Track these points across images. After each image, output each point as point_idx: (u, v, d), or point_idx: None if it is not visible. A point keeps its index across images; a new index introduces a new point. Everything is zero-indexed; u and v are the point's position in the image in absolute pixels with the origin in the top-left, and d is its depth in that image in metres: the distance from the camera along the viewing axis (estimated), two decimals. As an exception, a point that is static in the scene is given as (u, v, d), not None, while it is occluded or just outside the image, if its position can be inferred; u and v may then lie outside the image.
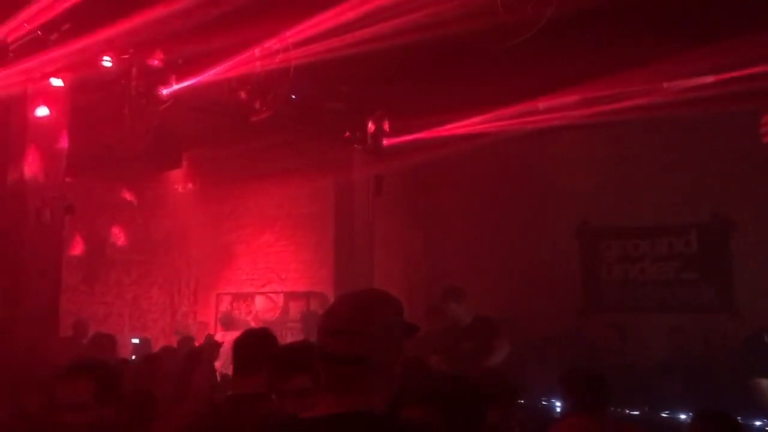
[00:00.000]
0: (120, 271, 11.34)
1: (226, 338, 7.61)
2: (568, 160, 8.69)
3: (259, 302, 11.41)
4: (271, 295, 11.36)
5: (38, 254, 6.49)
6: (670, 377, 6.74)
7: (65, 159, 6.72)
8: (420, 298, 8.52)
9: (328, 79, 7.47)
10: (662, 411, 6.20)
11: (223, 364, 6.04)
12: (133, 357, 8.37)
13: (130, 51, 6.40)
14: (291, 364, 3.03)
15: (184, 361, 5.46)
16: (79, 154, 6.93)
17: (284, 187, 11.12)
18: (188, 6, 5.36)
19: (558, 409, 6.22)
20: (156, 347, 8.83)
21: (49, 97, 6.57)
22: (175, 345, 8.30)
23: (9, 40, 5.96)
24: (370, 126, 8.59)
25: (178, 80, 6.85)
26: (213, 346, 5.83)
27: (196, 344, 8.01)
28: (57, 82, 6.56)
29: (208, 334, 9.37)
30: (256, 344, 3.39)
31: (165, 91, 6.92)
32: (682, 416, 5.92)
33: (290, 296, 11.09)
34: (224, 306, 11.54)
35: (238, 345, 3.39)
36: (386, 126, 8.63)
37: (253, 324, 10.25)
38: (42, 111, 6.52)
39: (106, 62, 6.42)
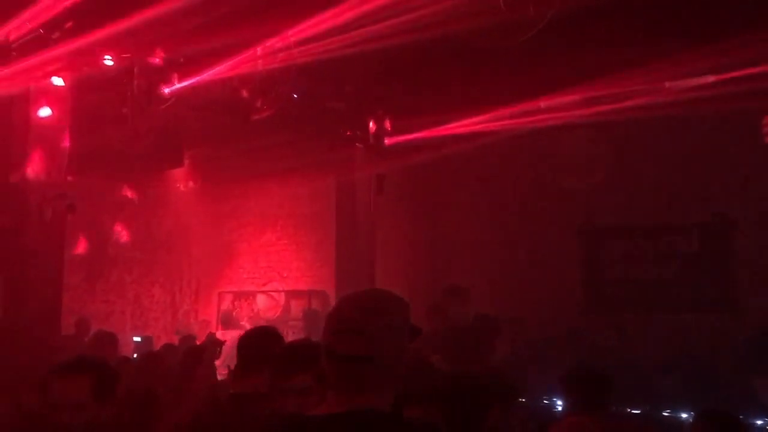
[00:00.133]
0: (122, 270, 11.35)
1: (226, 337, 7.61)
2: (569, 160, 8.70)
3: (261, 301, 11.42)
4: (272, 293, 11.37)
5: (40, 253, 6.51)
6: (671, 376, 6.73)
7: (67, 158, 6.72)
8: (421, 297, 8.52)
9: (330, 78, 7.48)
10: (663, 410, 6.20)
11: (222, 362, 6.04)
12: (135, 355, 8.37)
13: (132, 50, 6.40)
14: (292, 362, 3.04)
15: (185, 359, 5.47)
16: (81, 153, 6.94)
17: (286, 186, 11.13)
18: (190, 5, 5.37)
19: (559, 408, 6.23)
20: (157, 346, 8.83)
21: (51, 96, 6.58)
22: (176, 343, 8.30)
23: (11, 39, 5.97)
24: (372, 125, 8.60)
25: (180, 79, 6.86)
26: (215, 344, 5.82)
27: (198, 343, 8.02)
28: (59, 81, 6.56)
29: (210, 332, 9.38)
30: (260, 343, 3.38)
31: (167, 90, 6.93)
32: (684, 415, 5.93)
33: (292, 295, 11.10)
34: (226, 305, 11.55)
35: (243, 343, 3.39)
36: (388, 125, 8.64)
37: (247, 324, 10.26)
38: (44, 110, 6.53)
39: (108, 61, 6.42)
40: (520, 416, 4.07)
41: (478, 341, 6.74)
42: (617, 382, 4.18)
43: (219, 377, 5.71)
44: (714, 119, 7.48)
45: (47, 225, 6.54)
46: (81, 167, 7.35)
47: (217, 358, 5.79)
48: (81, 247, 10.45)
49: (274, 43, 6.21)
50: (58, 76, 6.51)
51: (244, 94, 7.34)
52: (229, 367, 4.85)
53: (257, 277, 11.64)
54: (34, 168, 6.47)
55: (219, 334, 8.63)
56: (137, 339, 9.70)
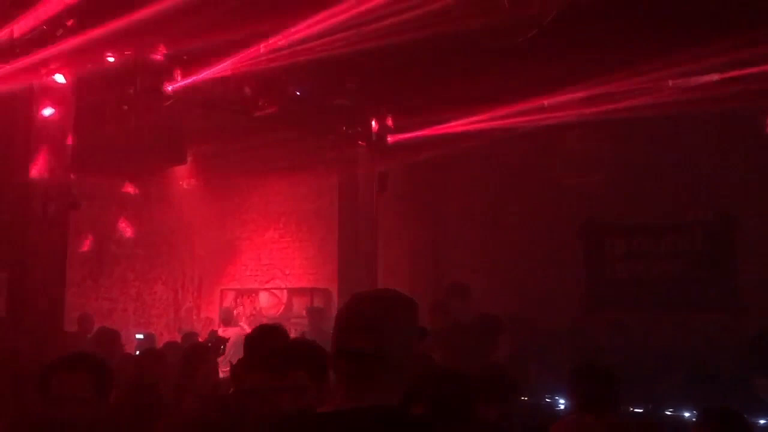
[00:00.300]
0: (124, 267, 11.36)
1: (226, 334, 7.62)
2: (572, 158, 8.68)
3: (263, 298, 11.43)
4: (275, 291, 11.38)
5: (44, 250, 6.51)
6: (674, 375, 6.72)
7: (70, 155, 6.73)
8: (423, 295, 8.52)
9: (333, 75, 7.47)
10: (665, 409, 6.19)
11: (223, 359, 6.03)
12: (137, 352, 8.37)
13: (135, 47, 6.40)
14: (286, 360, 3.04)
15: (188, 357, 5.46)
16: (84, 150, 6.94)
17: (289, 183, 11.14)
18: (193, 2, 5.36)
19: (561, 407, 6.23)
20: (160, 343, 8.84)
21: (54, 93, 6.57)
22: (179, 341, 8.31)
23: (15, 36, 5.97)
24: (374, 123, 8.60)
25: (183, 76, 6.86)
26: (219, 342, 5.82)
27: (200, 340, 8.03)
28: (62, 78, 6.56)
29: (212, 330, 9.38)
30: (267, 340, 3.39)
31: (170, 87, 6.93)
32: (686, 414, 5.92)
33: (294, 292, 11.11)
34: (228, 302, 11.56)
35: (249, 340, 3.40)
36: (390, 123, 8.64)
37: (245, 324, 10.28)
38: (47, 107, 6.53)
39: (111, 58, 6.42)
40: (522, 413, 4.07)
41: (480, 339, 6.75)
42: (619, 381, 4.15)
43: (221, 374, 5.71)
44: (717, 118, 7.47)
45: (50, 222, 6.55)
46: (84, 165, 7.34)
47: (221, 355, 5.79)
48: (84, 245, 10.47)
49: (277, 40, 6.20)
50: (62, 74, 6.51)
51: (247, 91, 7.35)
52: (231, 362, 4.86)
53: (260, 274, 11.66)
54: (37, 165, 6.47)
55: (220, 332, 8.63)
56: (140, 336, 9.70)
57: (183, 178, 11.58)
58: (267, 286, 11.50)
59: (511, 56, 6.42)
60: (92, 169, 8.75)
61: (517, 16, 5.28)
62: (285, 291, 11.24)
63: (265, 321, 8.86)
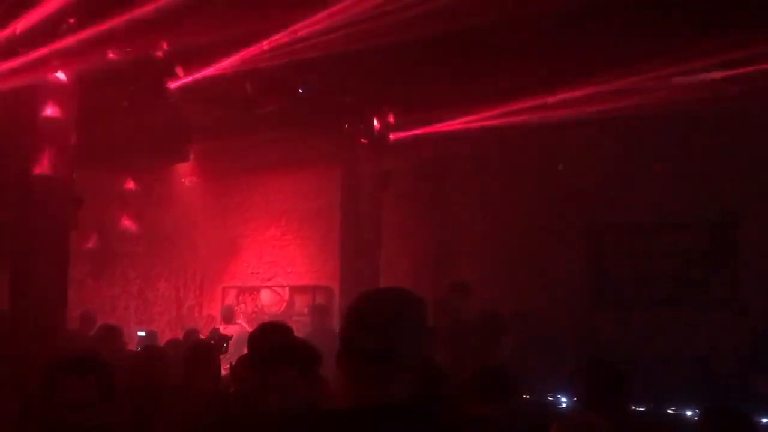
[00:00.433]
0: (126, 265, 11.37)
1: (227, 331, 7.62)
2: (576, 156, 8.67)
3: (265, 296, 11.43)
4: (276, 288, 11.38)
5: (46, 247, 6.52)
6: (676, 374, 6.72)
7: (73, 151, 6.73)
8: (426, 292, 8.50)
9: (336, 73, 7.46)
10: (668, 408, 6.19)
11: (224, 357, 6.04)
12: (139, 350, 8.38)
13: (138, 44, 6.40)
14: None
15: (189, 354, 5.45)
16: (86, 147, 6.94)
17: (291, 181, 11.13)
18: (196, -1, 5.37)
19: (564, 405, 6.23)
20: (162, 340, 8.85)
21: (57, 90, 6.58)
22: (181, 338, 8.31)
23: (18, 33, 5.97)
24: (377, 120, 8.59)
25: (185, 73, 6.85)
26: (222, 340, 5.82)
27: (202, 337, 8.02)
28: (65, 75, 6.56)
29: (214, 327, 9.38)
30: (272, 338, 3.39)
31: (172, 85, 6.93)
32: (688, 413, 5.92)
33: (296, 290, 11.11)
34: (230, 299, 11.56)
35: (253, 339, 3.40)
36: (392, 120, 8.63)
37: (244, 322, 10.28)
38: (50, 104, 6.53)
39: (114, 55, 6.42)
40: (523, 412, 4.05)
41: (483, 337, 6.75)
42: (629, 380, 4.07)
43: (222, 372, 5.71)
44: (722, 115, 7.44)
45: (53, 219, 6.55)
46: (86, 161, 7.35)
47: (224, 353, 5.79)
48: (87, 242, 10.47)
49: (279, 37, 6.19)
50: (64, 71, 6.51)
51: (250, 88, 7.34)
52: (230, 362, 4.86)
53: (262, 272, 11.66)
54: (40, 162, 6.48)
55: (221, 329, 8.64)
56: (141, 333, 9.71)
57: (185, 175, 11.57)
58: (269, 283, 11.50)
59: (514, 54, 6.42)
60: (94, 166, 8.76)
61: (520, 13, 5.26)
62: (287, 289, 11.23)
63: (266, 319, 8.86)
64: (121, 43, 6.28)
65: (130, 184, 11.06)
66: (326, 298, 10.47)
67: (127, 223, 11.14)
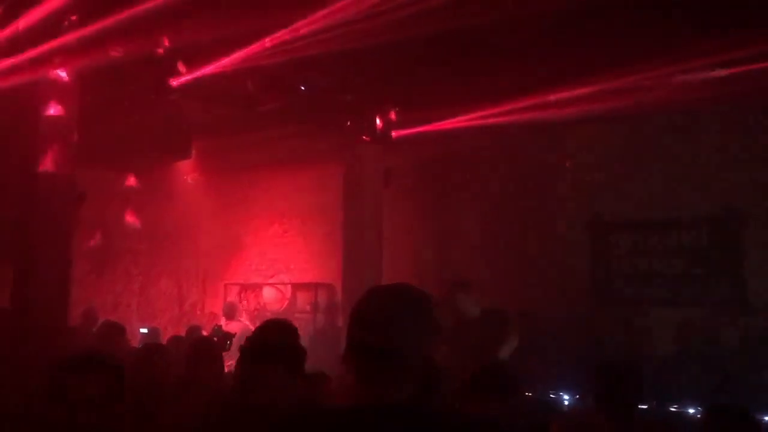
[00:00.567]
0: (128, 262, 11.38)
1: (229, 328, 7.62)
2: (579, 153, 8.66)
3: (267, 293, 11.44)
4: (279, 286, 11.38)
5: (49, 244, 6.52)
6: (679, 372, 6.71)
7: (75, 149, 6.73)
8: (429, 290, 8.49)
9: (338, 70, 7.45)
10: (671, 405, 6.18)
11: (227, 354, 6.05)
12: (139, 347, 8.38)
13: (140, 42, 6.39)
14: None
15: (192, 351, 5.46)
16: (87, 145, 6.94)
17: (293, 178, 11.13)
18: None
19: (566, 402, 6.23)
20: (164, 337, 8.85)
21: (59, 87, 6.58)
22: (183, 335, 8.31)
23: (19, 31, 5.97)
24: (379, 118, 8.59)
25: (188, 71, 6.85)
26: (226, 337, 5.82)
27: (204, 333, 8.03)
28: (67, 73, 6.56)
29: (216, 324, 9.39)
30: (276, 335, 3.39)
31: (174, 82, 6.93)
32: (691, 411, 5.91)
33: (298, 287, 11.12)
34: (232, 296, 11.57)
35: (258, 336, 3.39)
36: (395, 117, 8.62)
37: (246, 319, 10.29)
38: (52, 102, 6.53)
39: (116, 52, 6.41)
40: (525, 409, 4.05)
41: (486, 335, 6.75)
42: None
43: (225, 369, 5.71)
44: (726, 113, 7.43)
45: (56, 216, 6.56)
46: (88, 158, 7.35)
47: (227, 350, 5.79)
48: (89, 240, 10.48)
49: (281, 35, 6.19)
50: (66, 69, 6.51)
51: (251, 86, 7.33)
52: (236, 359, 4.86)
53: (264, 269, 11.67)
54: (42, 159, 6.48)
55: (223, 326, 8.64)
56: (144, 330, 9.72)
57: (187, 172, 11.58)
58: (271, 280, 11.51)
59: (517, 51, 6.40)
60: (96, 163, 8.77)
61: (522, 11, 5.25)
62: (289, 286, 11.24)
63: (269, 316, 8.87)
64: (123, 41, 6.28)
65: (132, 182, 11.06)
66: (328, 295, 10.48)
67: (129, 221, 11.14)
